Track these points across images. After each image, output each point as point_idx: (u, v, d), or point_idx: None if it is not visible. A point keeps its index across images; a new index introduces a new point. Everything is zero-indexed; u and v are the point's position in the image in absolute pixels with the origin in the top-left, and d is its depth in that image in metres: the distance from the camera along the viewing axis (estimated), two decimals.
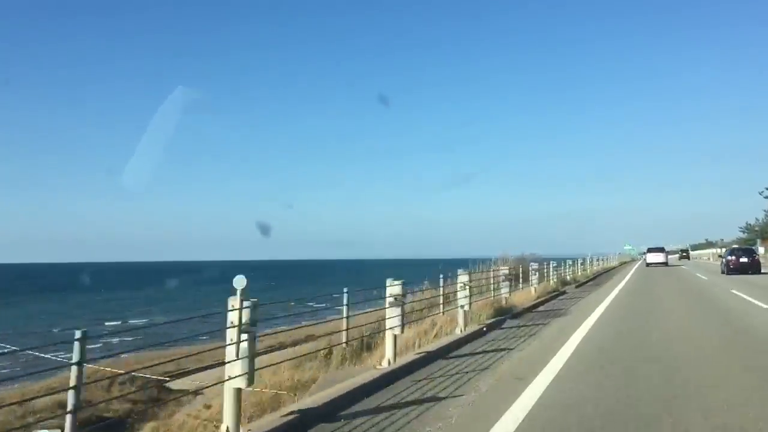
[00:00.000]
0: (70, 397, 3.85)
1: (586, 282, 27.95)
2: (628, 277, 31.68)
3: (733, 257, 31.85)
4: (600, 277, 32.84)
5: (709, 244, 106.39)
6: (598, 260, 44.85)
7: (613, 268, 48.64)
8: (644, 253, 53.97)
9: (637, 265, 51.61)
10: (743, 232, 73.99)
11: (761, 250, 51.55)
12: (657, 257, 47.17)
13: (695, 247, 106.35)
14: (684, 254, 75.89)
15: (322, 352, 9.55)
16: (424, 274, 13.83)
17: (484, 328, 10.75)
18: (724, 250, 51.14)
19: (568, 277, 26.32)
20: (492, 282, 14.35)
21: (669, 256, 51.84)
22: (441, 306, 11.32)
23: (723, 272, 31.39)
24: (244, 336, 4.52)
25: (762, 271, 31.10)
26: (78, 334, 3.86)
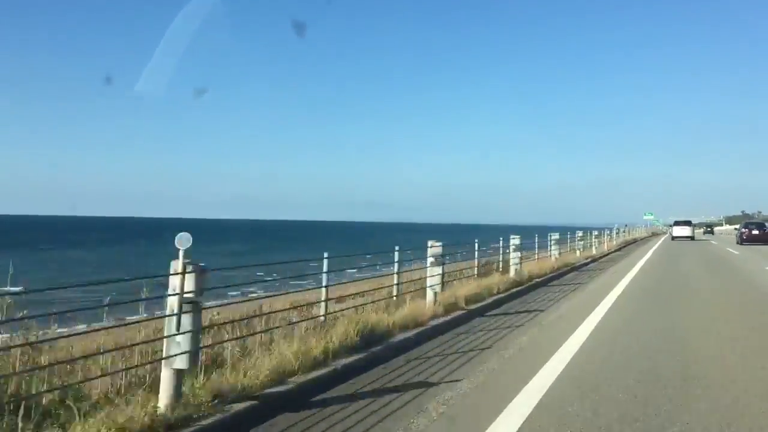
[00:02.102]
0: None
1: None
2: None
3: (746, 230, 37.41)
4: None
5: (745, 216, 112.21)
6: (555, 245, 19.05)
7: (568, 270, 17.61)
8: (671, 226, 52.23)
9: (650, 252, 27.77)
10: None
11: None
12: (683, 231, 46.16)
13: (730, 220, 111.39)
14: (708, 229, 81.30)
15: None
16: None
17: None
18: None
19: None
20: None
21: (696, 230, 51.38)
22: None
23: (738, 242, 36.62)
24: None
25: None
26: None
